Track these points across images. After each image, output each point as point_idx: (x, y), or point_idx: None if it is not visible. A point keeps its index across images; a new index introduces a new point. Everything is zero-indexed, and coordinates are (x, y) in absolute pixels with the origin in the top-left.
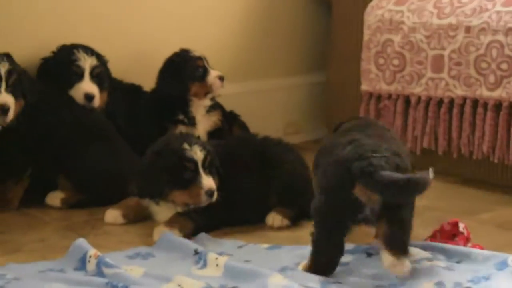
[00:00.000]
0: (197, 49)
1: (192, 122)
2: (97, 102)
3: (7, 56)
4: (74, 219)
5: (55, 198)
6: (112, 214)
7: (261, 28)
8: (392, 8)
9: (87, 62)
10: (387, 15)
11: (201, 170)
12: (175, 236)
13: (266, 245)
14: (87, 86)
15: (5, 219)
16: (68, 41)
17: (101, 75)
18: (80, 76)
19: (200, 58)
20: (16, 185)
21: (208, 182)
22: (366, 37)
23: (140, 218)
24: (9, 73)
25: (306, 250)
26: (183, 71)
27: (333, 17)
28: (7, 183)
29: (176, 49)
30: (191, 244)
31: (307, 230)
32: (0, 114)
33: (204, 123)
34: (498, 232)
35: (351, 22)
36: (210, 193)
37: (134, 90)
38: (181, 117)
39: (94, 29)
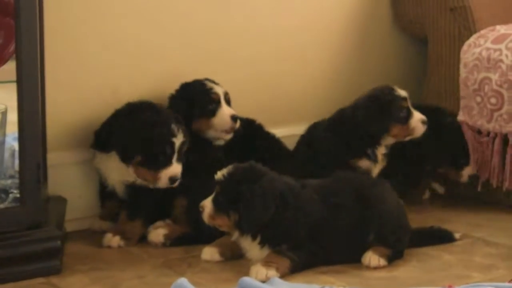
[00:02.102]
0: None
1: (376, 159)
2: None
3: (182, 126)
4: (170, 256)
5: (157, 234)
6: (209, 251)
7: (356, 67)
8: (490, 46)
9: (220, 89)
10: (484, 53)
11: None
12: (254, 280)
13: None
14: (228, 110)
15: (104, 256)
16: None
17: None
18: (218, 102)
19: (405, 99)
20: (141, 227)
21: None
22: (463, 75)
23: (237, 256)
24: (182, 144)
25: None
26: (388, 110)
27: (429, 55)
28: (136, 221)
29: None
30: None
31: (403, 270)
32: (170, 183)
33: (381, 163)
34: None
35: (447, 60)
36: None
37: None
38: (369, 151)
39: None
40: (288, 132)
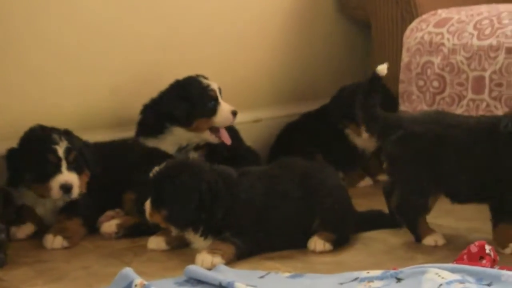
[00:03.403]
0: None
1: None
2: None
3: (65, 133)
4: (117, 246)
5: (110, 225)
6: (156, 241)
7: (299, 51)
8: (432, 30)
9: (215, 85)
10: (427, 37)
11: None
12: (199, 268)
13: (287, 274)
14: (228, 106)
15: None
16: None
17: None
18: (216, 99)
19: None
20: (81, 226)
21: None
22: (405, 59)
23: (183, 245)
24: (67, 151)
25: (330, 278)
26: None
27: (372, 39)
28: (73, 219)
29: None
30: (215, 277)
31: (348, 254)
32: (64, 192)
33: None
34: None
35: (390, 44)
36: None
37: None
38: None
39: None
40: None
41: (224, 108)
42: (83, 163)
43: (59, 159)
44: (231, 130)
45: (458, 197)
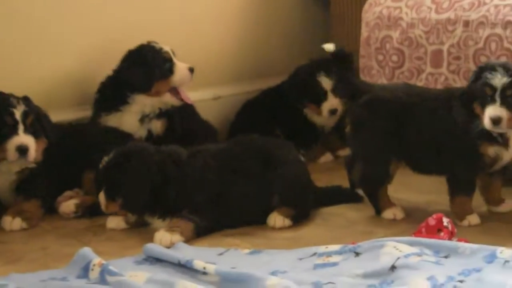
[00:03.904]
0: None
1: None
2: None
3: (24, 99)
4: (75, 226)
5: (68, 205)
6: (115, 220)
7: (257, 28)
8: (390, 5)
9: (167, 47)
10: (385, 11)
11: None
12: (158, 247)
13: (246, 250)
14: (183, 64)
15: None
16: None
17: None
18: (171, 60)
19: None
20: (40, 207)
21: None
22: (364, 34)
23: (142, 223)
24: (25, 114)
25: (289, 254)
26: None
27: (331, 15)
28: (32, 201)
29: None
30: (174, 255)
31: (308, 229)
32: (20, 154)
33: None
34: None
35: (349, 19)
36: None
37: None
38: None
39: None
40: (192, 97)
41: (181, 67)
42: (40, 129)
43: (16, 122)
44: (188, 106)
45: (418, 167)
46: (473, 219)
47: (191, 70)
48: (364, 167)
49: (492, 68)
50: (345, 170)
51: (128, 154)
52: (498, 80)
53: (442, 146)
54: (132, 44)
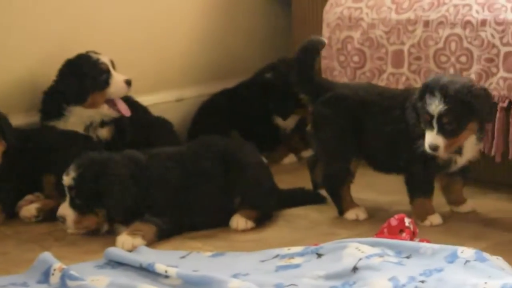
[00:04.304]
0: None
1: None
2: None
3: None
4: (36, 231)
5: (29, 209)
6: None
7: (219, 30)
8: (350, 5)
9: (106, 58)
10: (346, 12)
11: None
12: (120, 250)
13: (209, 253)
14: (120, 76)
15: None
16: None
17: None
18: (108, 72)
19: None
20: (0, 212)
21: None
22: (326, 34)
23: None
24: None
25: (251, 256)
26: None
27: (293, 16)
28: None
29: None
30: (135, 259)
31: (271, 230)
32: None
33: None
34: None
35: (310, 20)
36: None
37: None
38: None
39: None
40: (155, 100)
41: (117, 79)
42: None
43: None
44: (137, 105)
45: (377, 166)
46: (435, 219)
47: (128, 82)
48: (326, 165)
49: (431, 91)
50: (308, 170)
51: (102, 162)
52: (435, 107)
53: (397, 145)
54: (83, 50)
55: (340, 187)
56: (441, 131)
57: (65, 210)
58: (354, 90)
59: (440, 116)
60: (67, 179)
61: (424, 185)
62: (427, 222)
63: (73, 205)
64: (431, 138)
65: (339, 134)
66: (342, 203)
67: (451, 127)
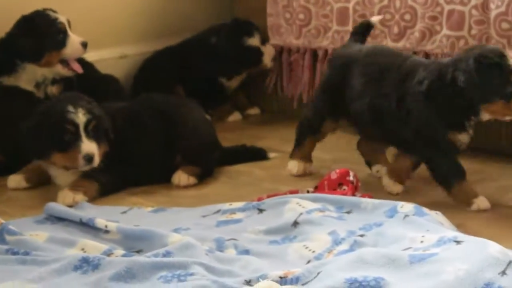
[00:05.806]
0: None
1: None
2: None
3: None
4: None
5: None
6: (15, 179)
7: None
8: None
9: (64, 18)
10: None
11: (82, 133)
12: (60, 205)
13: (150, 208)
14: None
15: None
16: None
17: None
18: (65, 32)
19: None
20: None
21: (87, 146)
22: None
23: (44, 182)
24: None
25: (193, 211)
26: None
27: None
28: None
29: None
30: (75, 214)
31: (213, 187)
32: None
33: None
34: None
35: None
36: (88, 158)
37: None
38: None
39: None
40: (98, 56)
41: (74, 40)
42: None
43: None
44: (84, 62)
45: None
46: (482, 202)
47: (84, 44)
48: (303, 114)
49: None
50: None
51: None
52: None
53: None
54: (36, 4)
55: (305, 136)
56: None
57: (91, 147)
58: (350, 51)
59: None
60: (82, 116)
61: (452, 168)
62: (474, 206)
63: (93, 138)
64: None
65: (322, 92)
66: (297, 150)
67: None
